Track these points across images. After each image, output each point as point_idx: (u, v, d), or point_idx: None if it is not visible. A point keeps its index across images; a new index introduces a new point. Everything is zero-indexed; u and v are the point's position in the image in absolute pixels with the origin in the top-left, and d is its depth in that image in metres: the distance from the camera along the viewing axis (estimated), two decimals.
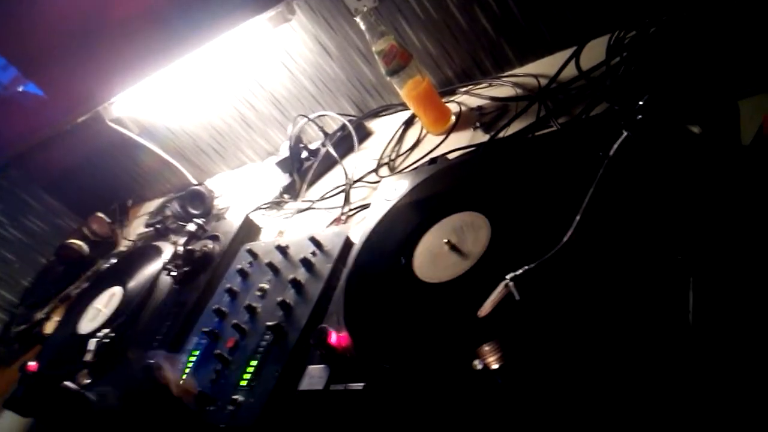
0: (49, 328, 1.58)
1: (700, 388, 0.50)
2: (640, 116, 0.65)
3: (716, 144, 0.64)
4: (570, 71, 1.02)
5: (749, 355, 0.49)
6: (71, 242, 1.79)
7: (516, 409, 0.58)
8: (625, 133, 0.64)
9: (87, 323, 1.31)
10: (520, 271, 0.62)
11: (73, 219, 2.19)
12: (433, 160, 0.99)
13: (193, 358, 0.95)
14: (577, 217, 0.62)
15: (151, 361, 0.70)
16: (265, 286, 0.98)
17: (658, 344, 0.53)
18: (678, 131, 0.65)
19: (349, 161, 1.30)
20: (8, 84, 1.69)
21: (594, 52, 1.00)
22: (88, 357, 1.11)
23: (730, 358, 0.50)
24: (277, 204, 1.37)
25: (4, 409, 1.23)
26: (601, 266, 0.60)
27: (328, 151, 1.33)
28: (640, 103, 0.66)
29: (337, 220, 1.16)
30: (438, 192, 0.91)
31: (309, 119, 1.37)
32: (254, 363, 0.85)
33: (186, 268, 1.19)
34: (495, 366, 0.59)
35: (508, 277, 0.62)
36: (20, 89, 1.71)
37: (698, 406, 0.49)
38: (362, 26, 1.08)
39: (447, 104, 1.21)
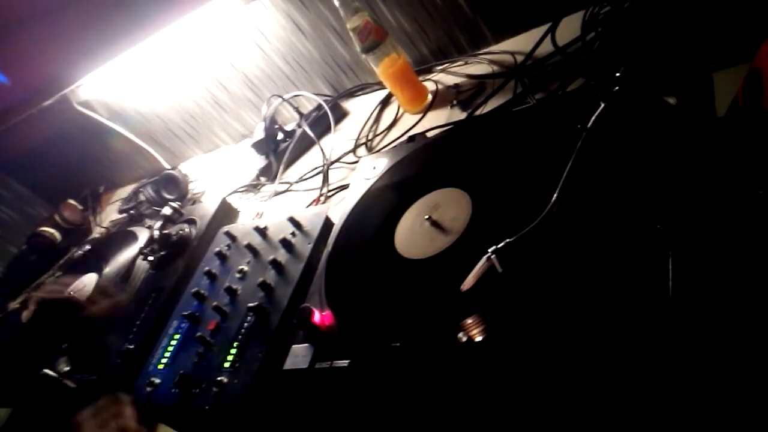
0: (25, 317, 1.54)
1: (679, 357, 0.51)
2: (617, 88, 0.66)
3: (691, 115, 0.65)
4: (546, 47, 1.02)
5: (727, 323, 0.51)
6: (43, 230, 1.75)
7: (500, 379, 0.59)
8: (602, 105, 0.65)
9: None
10: (502, 244, 0.62)
11: (44, 207, 2.13)
12: (411, 138, 0.99)
13: (175, 342, 0.94)
14: (557, 190, 0.63)
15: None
16: (245, 267, 0.97)
17: (639, 313, 0.54)
18: (654, 102, 0.66)
19: (326, 142, 1.29)
20: None
21: (569, 27, 1.01)
22: (66, 344, 1.09)
23: (709, 327, 0.51)
24: (254, 186, 1.36)
25: None
26: (581, 237, 0.61)
27: (304, 132, 1.32)
28: (617, 74, 0.67)
29: (315, 201, 1.15)
30: (417, 169, 0.90)
31: (284, 99, 1.35)
32: (237, 344, 0.85)
33: (162, 252, 1.17)
34: (479, 338, 0.60)
35: (490, 250, 0.63)
36: None
37: (678, 376, 0.51)
38: (335, 2, 1.06)
39: (423, 82, 1.21)
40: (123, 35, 1.32)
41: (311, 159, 1.31)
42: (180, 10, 1.25)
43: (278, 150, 1.35)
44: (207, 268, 1.02)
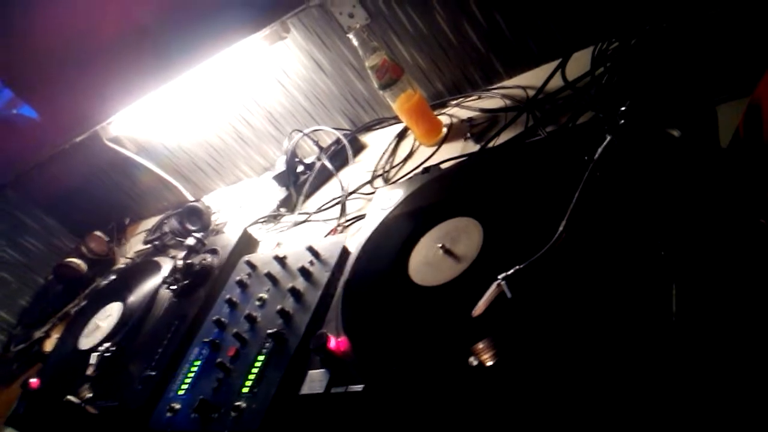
0: (49, 345, 1.58)
1: (684, 381, 0.52)
2: (622, 121, 0.68)
3: (695, 147, 0.67)
4: (556, 82, 1.06)
5: (731, 348, 0.52)
6: (69, 261, 1.80)
7: (510, 402, 0.61)
8: (608, 138, 0.67)
9: (87, 339, 1.32)
10: (512, 271, 0.65)
11: (71, 238, 2.20)
12: (426, 170, 1.02)
13: (195, 368, 0.97)
14: (565, 219, 0.65)
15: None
16: (264, 295, 1.00)
17: (644, 337, 0.55)
18: (659, 135, 0.68)
19: (344, 174, 1.33)
20: (3, 107, 1.71)
21: (579, 63, 1.04)
22: (89, 371, 1.12)
23: (712, 352, 0.52)
24: (274, 217, 1.40)
25: (5, 426, 1.24)
26: (588, 264, 0.63)
27: (323, 165, 1.36)
28: (623, 108, 0.69)
29: (333, 231, 1.19)
30: (431, 199, 0.93)
31: (304, 134, 1.40)
32: (255, 370, 0.87)
33: (185, 282, 1.21)
34: (489, 363, 0.62)
35: (500, 277, 0.65)
36: (15, 112, 1.73)
37: (683, 398, 0.52)
38: (355, 42, 1.11)
39: (438, 116, 1.25)
40: (152, 75, 1.39)
41: (330, 190, 1.35)
42: (208, 51, 1.31)
43: (298, 182, 1.40)
44: (228, 296, 1.05)
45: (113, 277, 1.58)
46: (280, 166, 1.41)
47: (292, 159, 1.40)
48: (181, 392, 0.95)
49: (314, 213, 1.30)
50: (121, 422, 1.02)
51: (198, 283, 1.20)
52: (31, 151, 1.76)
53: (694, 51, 0.85)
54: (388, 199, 0.99)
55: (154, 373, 1.05)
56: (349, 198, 1.25)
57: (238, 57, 1.35)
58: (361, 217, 1.17)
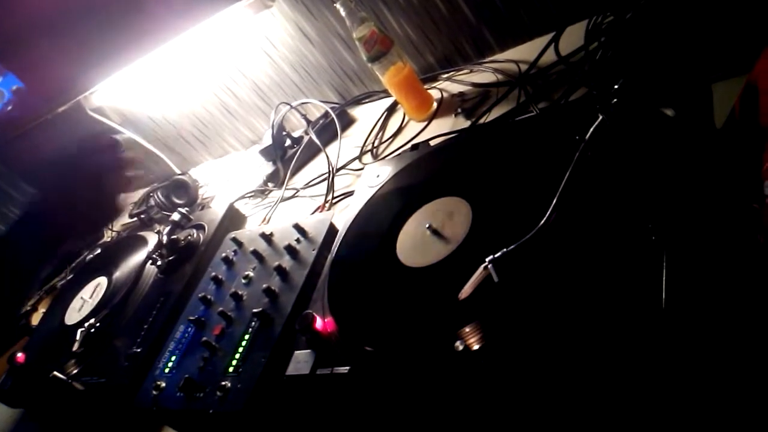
0: (36, 319, 1.57)
1: (673, 367, 0.52)
2: (615, 100, 0.66)
3: (690, 127, 0.65)
4: (549, 56, 1.03)
5: (720, 335, 0.51)
6: None
7: (496, 388, 0.60)
8: (600, 117, 0.66)
9: (73, 314, 1.30)
10: (499, 253, 0.63)
11: None
12: (415, 147, 1.00)
13: (181, 346, 0.96)
14: (554, 200, 0.63)
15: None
16: (251, 273, 0.99)
17: (633, 323, 0.54)
18: (652, 114, 0.66)
19: (332, 149, 1.30)
20: None
21: (573, 37, 1.02)
22: (75, 347, 1.11)
23: (702, 339, 0.52)
24: (261, 192, 1.38)
25: None
26: (577, 247, 0.62)
27: (311, 139, 1.33)
28: (615, 87, 0.67)
29: (320, 208, 1.17)
30: (420, 178, 0.92)
31: (291, 107, 1.37)
32: (241, 349, 0.86)
33: (171, 258, 1.19)
34: (476, 347, 0.61)
35: (487, 259, 0.63)
36: None
37: (672, 385, 0.51)
38: (342, 12, 1.08)
39: (429, 90, 1.22)
40: (136, 44, 1.34)
41: (318, 165, 1.33)
42: (191, 19, 1.27)
43: (285, 156, 1.37)
44: (214, 274, 1.04)
45: (99, 251, 1.56)
46: (267, 140, 1.38)
47: (279, 133, 1.38)
48: (167, 370, 0.94)
49: (302, 189, 1.28)
50: (106, 399, 1.02)
51: (183, 259, 1.19)
52: (14, 120, 1.72)
53: (691, 26, 0.83)
54: (376, 177, 0.97)
55: (139, 350, 1.04)
56: (337, 174, 1.23)
57: (223, 26, 1.31)
58: (349, 194, 1.15)
